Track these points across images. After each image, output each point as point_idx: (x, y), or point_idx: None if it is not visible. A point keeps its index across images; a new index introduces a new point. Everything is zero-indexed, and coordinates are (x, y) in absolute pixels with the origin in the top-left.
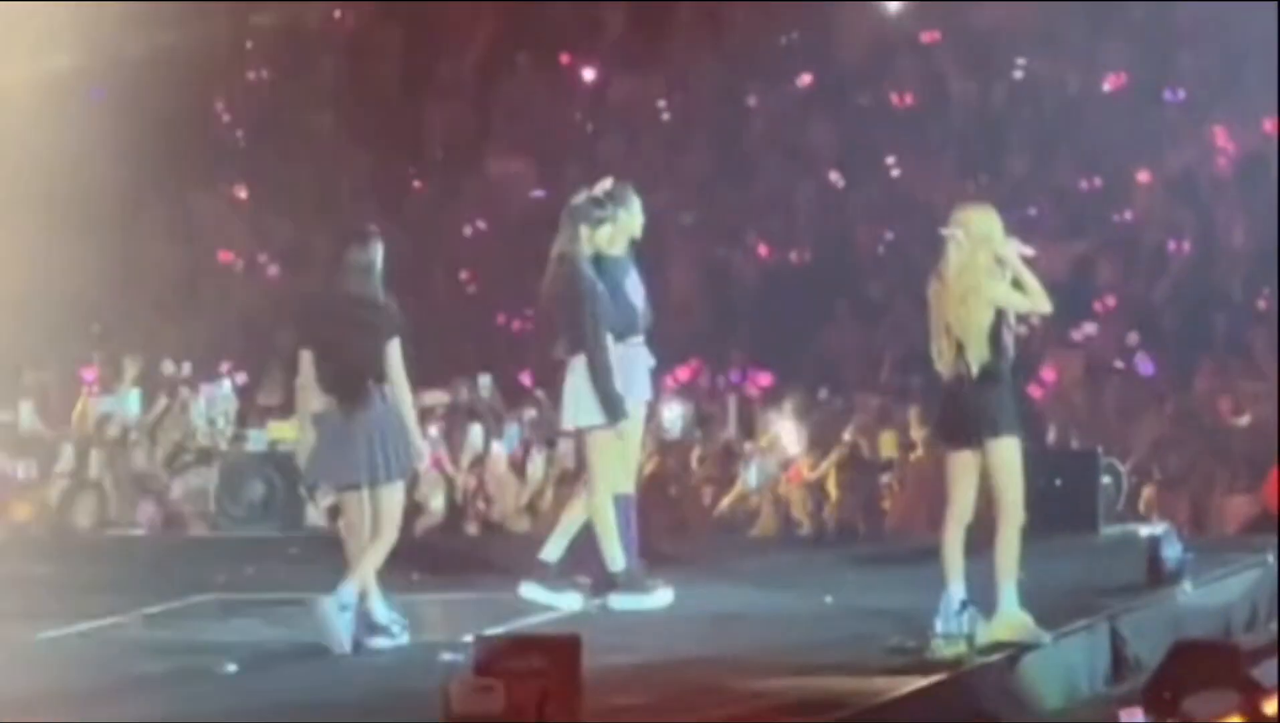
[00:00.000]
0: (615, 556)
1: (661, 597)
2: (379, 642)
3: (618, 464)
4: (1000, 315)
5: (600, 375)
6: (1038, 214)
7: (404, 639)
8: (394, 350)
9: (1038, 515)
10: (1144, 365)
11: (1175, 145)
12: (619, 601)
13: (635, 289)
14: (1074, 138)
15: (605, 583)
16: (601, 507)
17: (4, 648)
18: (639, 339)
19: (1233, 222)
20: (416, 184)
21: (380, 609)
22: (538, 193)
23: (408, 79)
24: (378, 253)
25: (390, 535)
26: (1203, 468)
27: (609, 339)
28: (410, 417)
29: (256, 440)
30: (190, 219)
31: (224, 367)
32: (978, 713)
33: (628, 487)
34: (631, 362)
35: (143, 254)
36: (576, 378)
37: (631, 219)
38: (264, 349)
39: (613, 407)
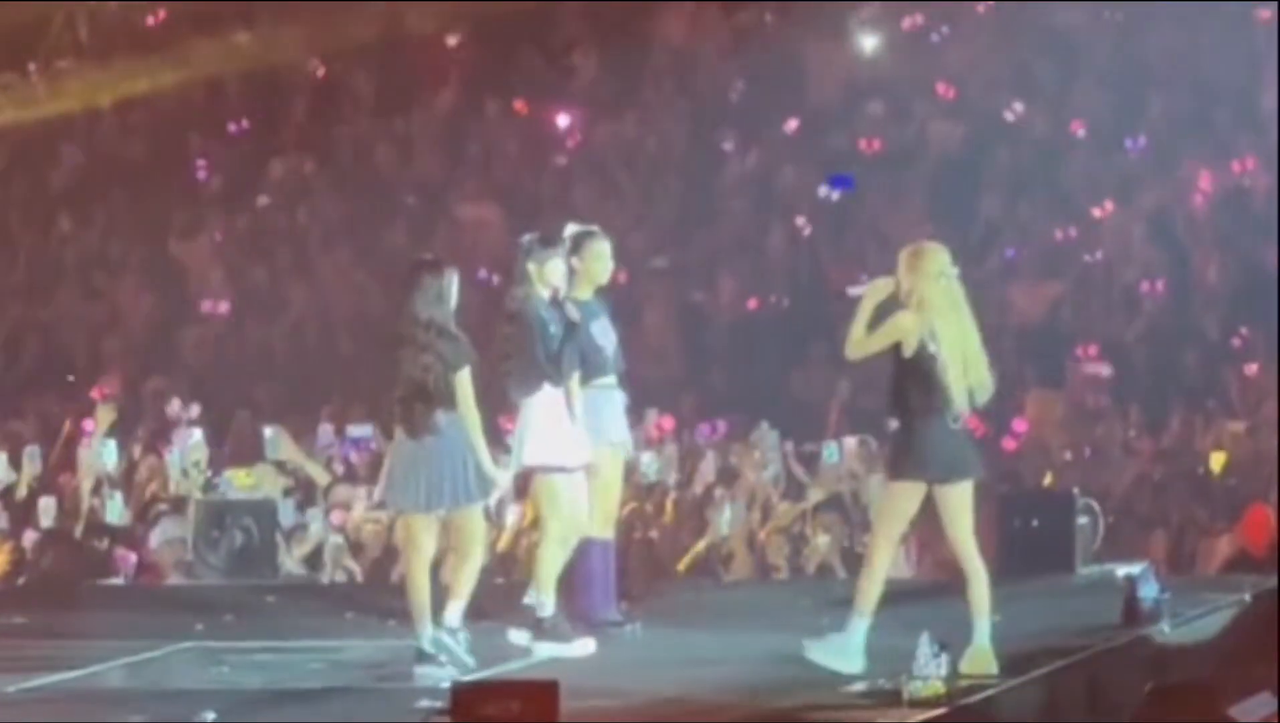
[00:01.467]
0: (546, 602)
1: (581, 647)
2: (425, 670)
3: (569, 506)
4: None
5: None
6: (1015, 255)
7: (449, 671)
8: (464, 380)
9: (1014, 557)
10: (1108, 404)
11: (1147, 186)
12: (541, 648)
13: (604, 333)
14: (1047, 179)
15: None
16: (548, 550)
17: None
18: (610, 381)
19: (1207, 260)
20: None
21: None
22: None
23: (378, 126)
24: (451, 282)
25: (476, 556)
26: (1180, 508)
27: (573, 381)
28: (481, 444)
29: (227, 488)
30: (163, 265)
31: (193, 414)
32: None
33: (604, 531)
34: (601, 404)
35: (116, 301)
36: (529, 417)
37: (596, 263)
38: (233, 397)
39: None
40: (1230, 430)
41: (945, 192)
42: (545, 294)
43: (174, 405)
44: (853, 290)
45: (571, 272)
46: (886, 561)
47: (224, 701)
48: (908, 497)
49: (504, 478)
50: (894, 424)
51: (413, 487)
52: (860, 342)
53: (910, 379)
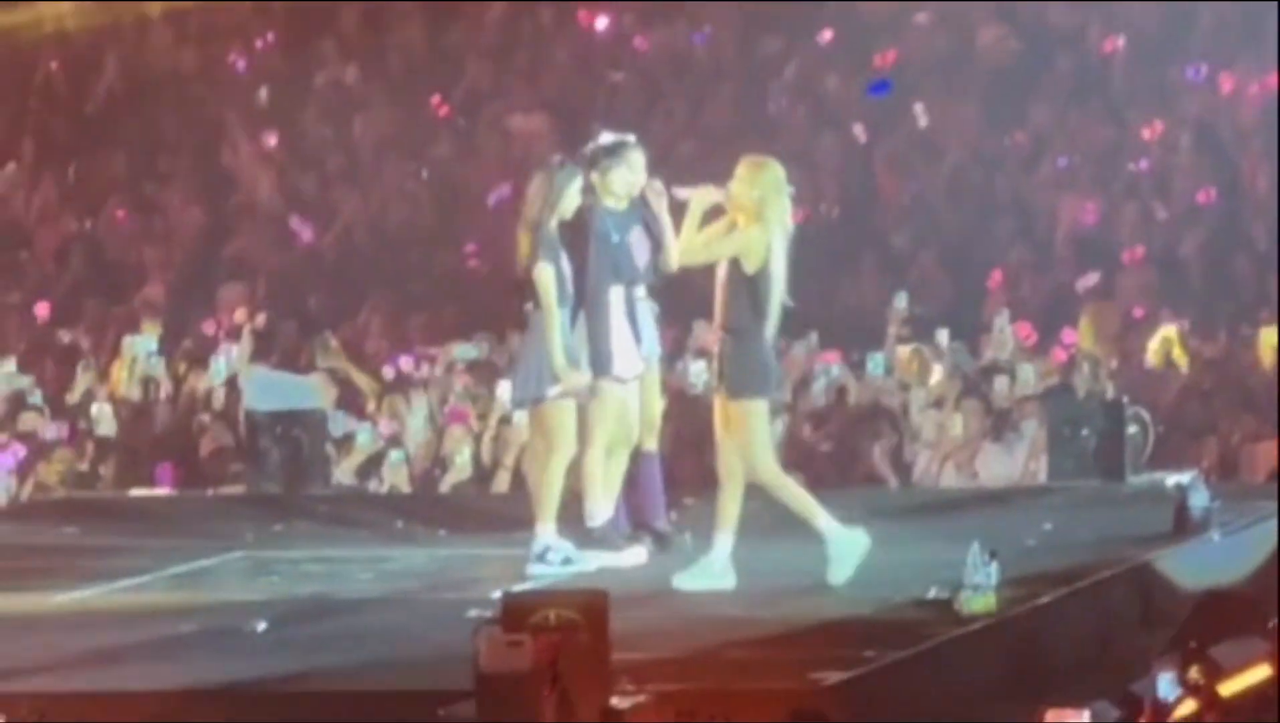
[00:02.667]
0: (596, 512)
1: (632, 556)
2: (537, 569)
3: (623, 416)
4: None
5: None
6: (1066, 165)
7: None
8: (544, 274)
9: (1065, 466)
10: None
11: (1197, 96)
12: (591, 557)
13: (640, 243)
14: (1099, 89)
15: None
16: (596, 460)
17: (32, 610)
18: (643, 292)
19: (1256, 170)
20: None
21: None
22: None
23: (427, 35)
24: (558, 182)
25: (558, 452)
26: (1229, 416)
27: (619, 290)
28: (556, 340)
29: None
30: (212, 176)
31: (241, 322)
32: (1008, 663)
33: (649, 442)
34: (642, 313)
35: (165, 212)
36: (591, 327)
37: (635, 175)
38: (283, 306)
39: (606, 359)
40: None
41: (995, 101)
42: (610, 203)
43: (223, 315)
44: (681, 192)
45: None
46: (740, 476)
47: (274, 610)
48: (758, 417)
49: (576, 378)
50: (723, 338)
51: (510, 382)
52: (693, 249)
53: (748, 295)
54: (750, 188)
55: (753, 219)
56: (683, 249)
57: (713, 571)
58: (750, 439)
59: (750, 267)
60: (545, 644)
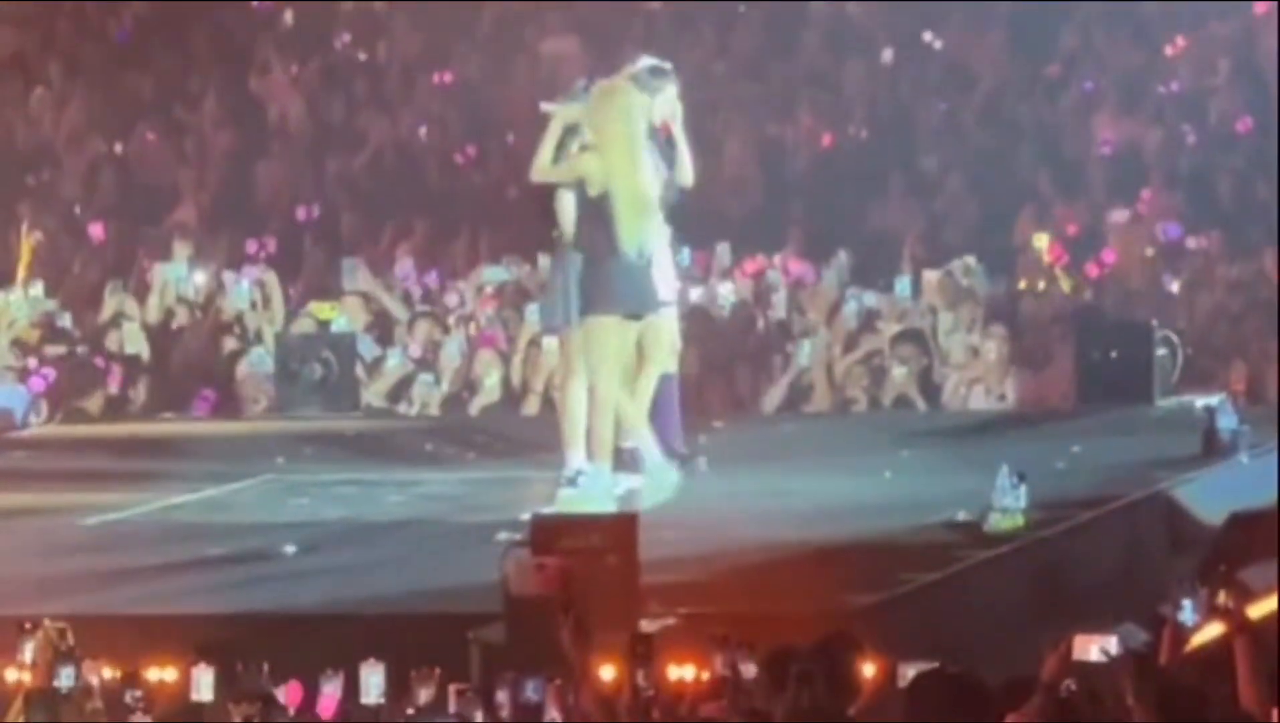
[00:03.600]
0: (633, 433)
1: (664, 477)
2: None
3: (667, 341)
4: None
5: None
6: (1093, 88)
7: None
8: (564, 202)
9: (1093, 388)
10: (1188, 236)
11: (1226, 19)
12: (621, 478)
13: (655, 170)
14: (1126, 12)
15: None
16: (638, 386)
17: (67, 532)
18: (665, 219)
19: None
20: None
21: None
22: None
23: None
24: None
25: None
26: (1258, 339)
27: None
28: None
29: (309, 320)
30: (241, 101)
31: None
32: (1037, 586)
33: (670, 366)
34: (660, 240)
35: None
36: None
37: (671, 102)
38: (311, 231)
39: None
40: None
41: (1023, 25)
42: (655, 124)
43: (251, 240)
44: (546, 106)
45: None
46: (610, 400)
47: (304, 533)
48: (609, 333)
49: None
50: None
51: (540, 307)
52: (545, 168)
53: (593, 217)
54: (594, 114)
55: (595, 144)
56: (537, 166)
57: (589, 493)
58: (590, 354)
59: (592, 190)
60: (575, 567)
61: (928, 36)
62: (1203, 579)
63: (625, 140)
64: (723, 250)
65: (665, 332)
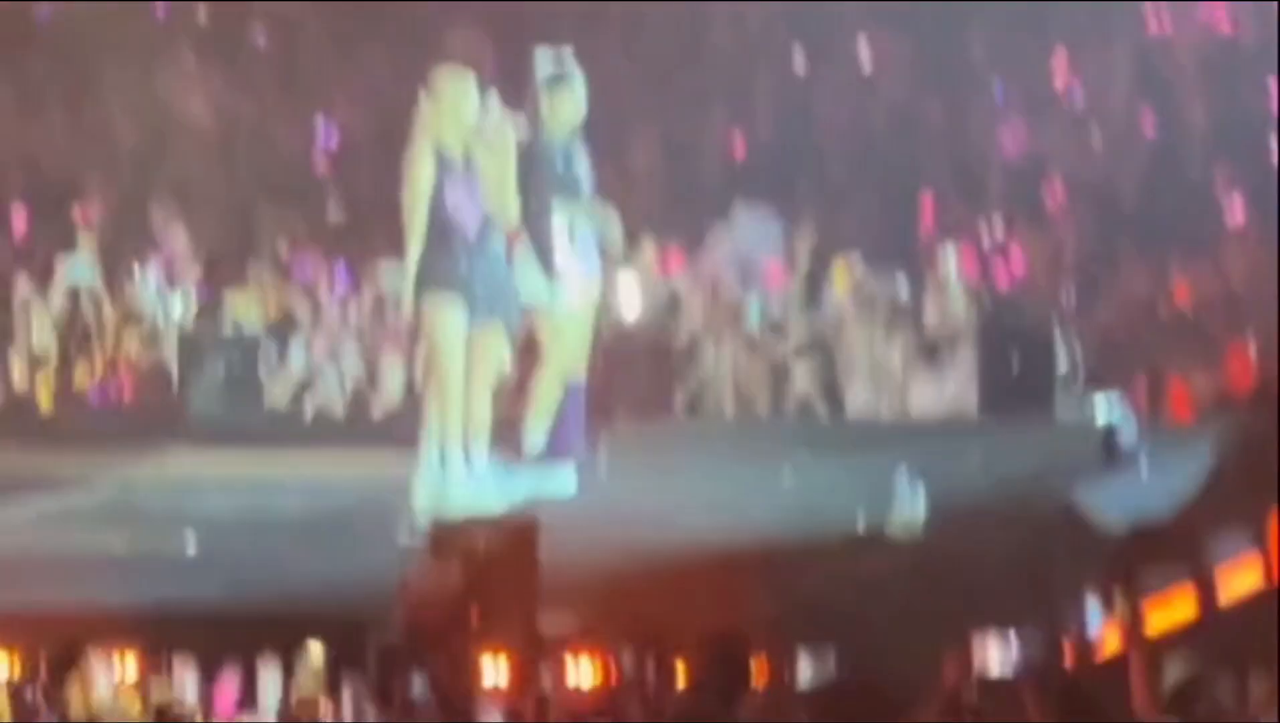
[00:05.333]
0: (536, 437)
1: (563, 481)
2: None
3: (573, 344)
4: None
5: (545, 254)
6: (1002, 94)
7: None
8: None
9: (996, 396)
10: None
11: (1133, 24)
12: (521, 481)
13: (584, 167)
14: (1035, 19)
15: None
16: (545, 387)
17: None
18: (585, 220)
19: (1192, 100)
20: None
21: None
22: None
23: None
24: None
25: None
26: (1160, 349)
27: (567, 217)
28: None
29: (217, 315)
30: (149, 93)
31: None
32: (936, 591)
33: (580, 370)
34: (583, 240)
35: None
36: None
37: (574, 101)
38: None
39: (553, 286)
40: (1207, 273)
41: (932, 33)
42: (554, 129)
43: (157, 232)
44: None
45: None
46: (457, 393)
47: (205, 529)
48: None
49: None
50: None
51: None
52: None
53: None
54: (425, 103)
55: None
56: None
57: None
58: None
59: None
60: (475, 571)
61: (837, 43)
62: (1102, 590)
63: (436, 133)
64: (628, 251)
65: (568, 333)
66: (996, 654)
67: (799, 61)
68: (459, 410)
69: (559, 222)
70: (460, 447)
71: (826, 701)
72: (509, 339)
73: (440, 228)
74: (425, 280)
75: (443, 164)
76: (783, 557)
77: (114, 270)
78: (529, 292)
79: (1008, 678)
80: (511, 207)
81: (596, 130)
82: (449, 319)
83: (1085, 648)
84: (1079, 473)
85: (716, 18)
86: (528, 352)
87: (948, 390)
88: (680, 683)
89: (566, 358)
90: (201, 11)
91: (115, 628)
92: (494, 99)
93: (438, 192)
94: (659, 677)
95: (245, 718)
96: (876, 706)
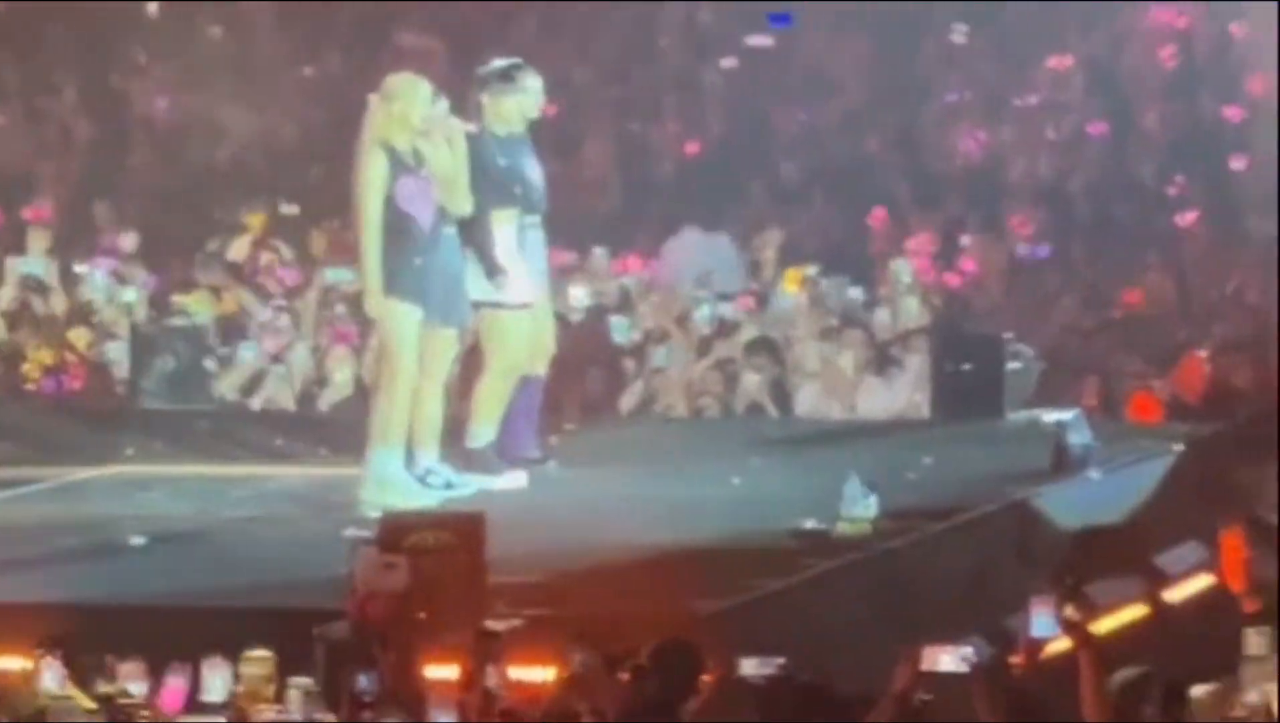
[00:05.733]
0: (483, 434)
1: (511, 480)
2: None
3: (515, 343)
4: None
5: (494, 252)
6: (957, 99)
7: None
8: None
9: (946, 400)
10: (1043, 251)
11: (1090, 32)
12: (469, 479)
13: (533, 169)
14: (989, 24)
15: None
16: (493, 384)
17: None
18: (536, 219)
19: (1147, 108)
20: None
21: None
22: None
23: None
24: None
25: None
26: (1112, 355)
27: (513, 216)
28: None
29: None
30: (104, 92)
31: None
32: (884, 596)
33: (536, 368)
34: (533, 241)
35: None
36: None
37: (529, 99)
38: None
39: (506, 283)
40: (1162, 281)
41: (886, 35)
42: (498, 128)
43: (109, 230)
44: None
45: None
46: (406, 391)
47: (152, 525)
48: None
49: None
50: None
51: None
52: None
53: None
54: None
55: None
56: None
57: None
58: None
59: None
60: (423, 565)
61: (788, 42)
62: (1051, 594)
63: (382, 137)
64: (579, 252)
65: (545, 334)
66: (948, 658)
67: (748, 63)
68: (407, 408)
69: (505, 220)
70: (409, 443)
71: (774, 700)
72: (460, 338)
73: (394, 225)
74: (382, 279)
75: (394, 162)
76: (731, 556)
77: (65, 264)
78: (477, 289)
79: (959, 676)
80: (464, 203)
81: (550, 132)
82: (404, 319)
83: (1034, 649)
84: (1031, 476)
85: (664, 20)
86: (476, 350)
87: (899, 393)
88: (627, 681)
89: (511, 356)
90: (152, 8)
91: (61, 625)
92: (443, 100)
93: (390, 189)
94: (606, 675)
95: (192, 716)
96: (825, 706)
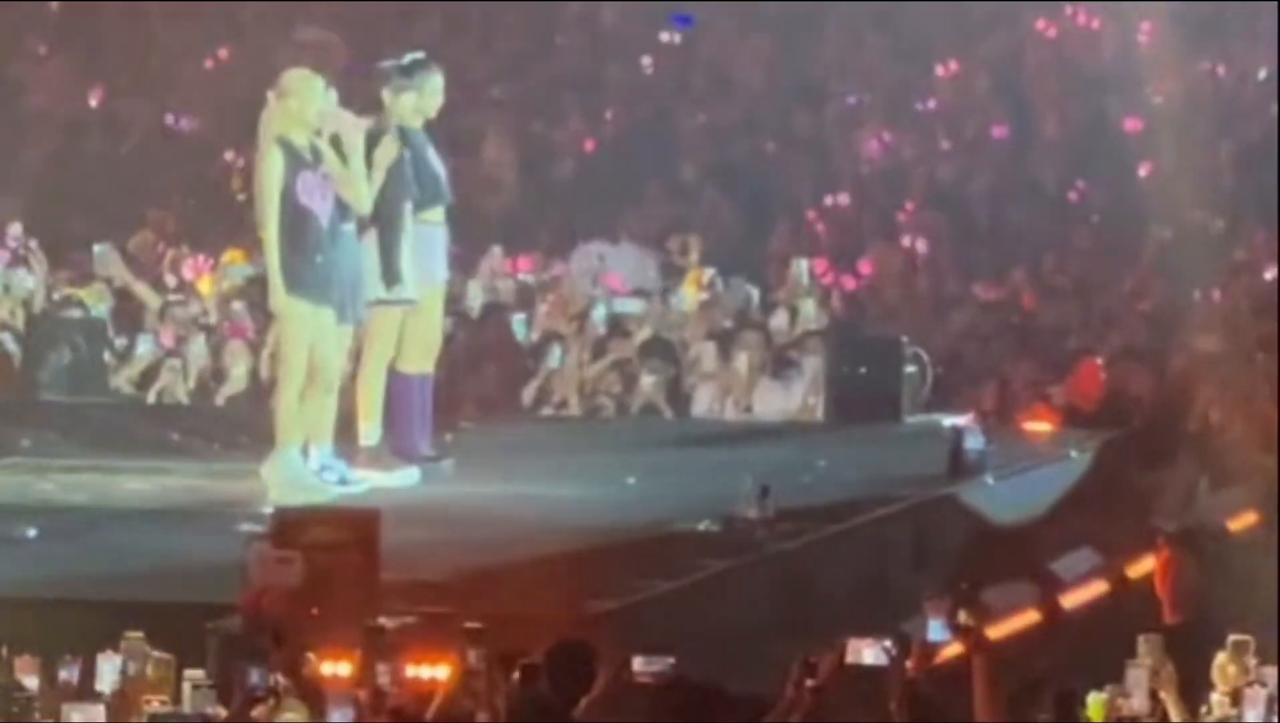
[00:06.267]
0: (371, 431)
1: (404, 477)
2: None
3: (395, 339)
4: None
5: (390, 247)
6: (856, 102)
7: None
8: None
9: (841, 403)
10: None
11: (990, 34)
12: (361, 475)
13: (434, 164)
14: (890, 27)
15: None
16: (372, 380)
17: None
18: (437, 216)
19: (1047, 112)
20: (223, 52)
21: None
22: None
23: None
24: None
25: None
26: (1008, 361)
27: (411, 213)
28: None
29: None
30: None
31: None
32: (779, 597)
33: (426, 366)
34: (430, 238)
35: None
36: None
37: (432, 95)
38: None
39: (395, 279)
40: (1060, 285)
41: (788, 36)
42: (397, 124)
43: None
44: None
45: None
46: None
47: (47, 517)
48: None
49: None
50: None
51: None
52: None
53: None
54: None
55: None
56: None
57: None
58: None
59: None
60: (317, 561)
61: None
62: (945, 598)
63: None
64: (475, 249)
65: (436, 331)
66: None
67: (647, 61)
68: (298, 404)
69: (403, 217)
70: (305, 439)
71: (664, 700)
72: (354, 335)
73: (294, 222)
74: (283, 276)
75: (292, 158)
76: (625, 556)
77: None
78: (371, 287)
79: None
80: (362, 201)
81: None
82: (303, 317)
83: (929, 653)
84: (927, 480)
85: (566, 18)
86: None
87: (795, 395)
88: (518, 680)
89: (386, 350)
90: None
91: None
92: (335, 95)
93: (288, 185)
94: (498, 673)
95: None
96: (715, 706)
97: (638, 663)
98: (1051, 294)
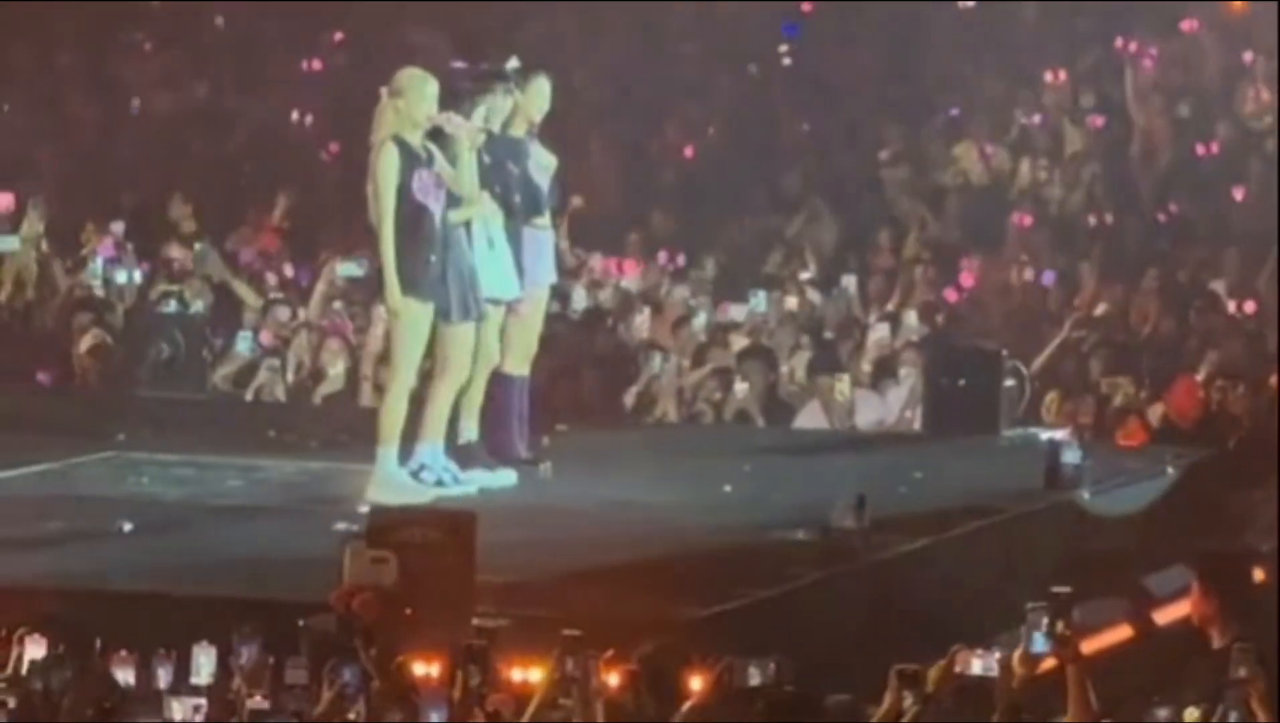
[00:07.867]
0: (470, 427)
1: (502, 477)
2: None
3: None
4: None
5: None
6: (960, 115)
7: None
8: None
9: (940, 415)
10: (1048, 275)
11: (1092, 51)
12: (460, 477)
13: (538, 171)
14: (995, 41)
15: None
16: (475, 378)
17: None
18: (544, 220)
19: (1151, 126)
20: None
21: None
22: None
23: None
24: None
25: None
26: (1107, 376)
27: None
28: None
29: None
30: (104, 79)
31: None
32: (872, 608)
33: (526, 368)
34: (535, 243)
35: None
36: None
37: (532, 101)
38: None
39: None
40: (1158, 306)
41: (893, 48)
42: (502, 129)
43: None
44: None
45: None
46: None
47: (141, 512)
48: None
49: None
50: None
51: None
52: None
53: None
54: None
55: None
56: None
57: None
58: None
59: None
60: (412, 561)
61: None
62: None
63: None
64: (578, 254)
65: (534, 333)
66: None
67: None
68: (405, 404)
69: (508, 218)
70: (411, 439)
71: (766, 708)
72: (476, 332)
73: (410, 219)
74: (399, 275)
75: (407, 156)
76: (721, 563)
77: (62, 251)
78: (490, 286)
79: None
80: (472, 199)
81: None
82: (419, 316)
83: (1031, 664)
84: (1023, 493)
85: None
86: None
87: (893, 407)
88: (616, 685)
89: (489, 353)
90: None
91: (49, 606)
92: (453, 97)
93: (404, 182)
94: (595, 678)
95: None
96: (816, 715)
97: (739, 668)
98: (1151, 311)
